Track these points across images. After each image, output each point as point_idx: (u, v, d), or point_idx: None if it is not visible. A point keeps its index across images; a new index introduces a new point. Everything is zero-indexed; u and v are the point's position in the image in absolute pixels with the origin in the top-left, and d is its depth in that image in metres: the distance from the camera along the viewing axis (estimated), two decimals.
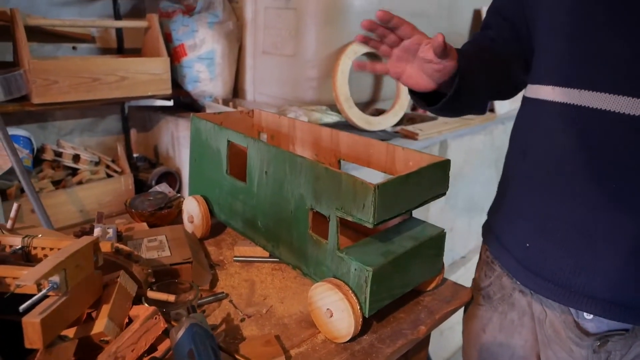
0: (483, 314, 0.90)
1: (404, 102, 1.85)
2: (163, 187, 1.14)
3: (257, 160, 0.84)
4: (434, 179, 0.74)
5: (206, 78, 1.89)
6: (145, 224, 1.01)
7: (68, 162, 1.87)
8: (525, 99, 0.82)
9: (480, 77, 0.83)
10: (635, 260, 0.65)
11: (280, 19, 1.79)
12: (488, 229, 0.91)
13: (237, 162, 0.94)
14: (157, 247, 0.84)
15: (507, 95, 0.92)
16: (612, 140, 0.65)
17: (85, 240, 0.60)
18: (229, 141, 0.91)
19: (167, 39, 1.90)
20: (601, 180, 0.66)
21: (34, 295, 0.51)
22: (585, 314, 0.73)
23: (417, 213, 0.83)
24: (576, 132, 0.68)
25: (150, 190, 1.14)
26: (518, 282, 0.82)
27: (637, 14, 0.63)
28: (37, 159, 1.86)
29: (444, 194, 0.78)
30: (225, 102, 1.91)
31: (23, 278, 0.49)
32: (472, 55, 0.83)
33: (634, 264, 0.65)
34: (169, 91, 1.86)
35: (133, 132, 2.20)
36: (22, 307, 0.49)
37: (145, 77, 1.78)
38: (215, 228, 1.03)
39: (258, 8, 1.86)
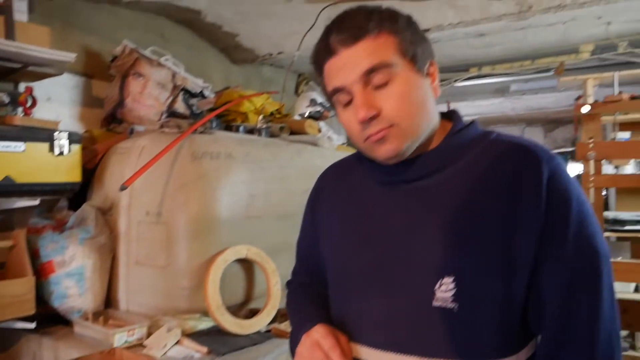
0: None
1: (276, 301, 1.95)
2: None
3: None
4: None
5: (75, 294, 1.86)
6: None
7: None
8: None
9: None
10: None
11: (152, 232, 1.88)
12: None
13: None
14: None
15: None
16: None
17: None
18: None
19: (35, 254, 1.88)
20: None
21: None
22: None
23: None
24: None
25: None
26: None
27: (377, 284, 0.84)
28: None
29: None
30: (96, 316, 1.87)
31: None
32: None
33: None
34: (32, 311, 1.79)
35: None
36: None
37: (5, 300, 1.71)
38: None
39: (131, 221, 1.94)
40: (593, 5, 2.33)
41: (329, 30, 0.85)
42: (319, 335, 0.85)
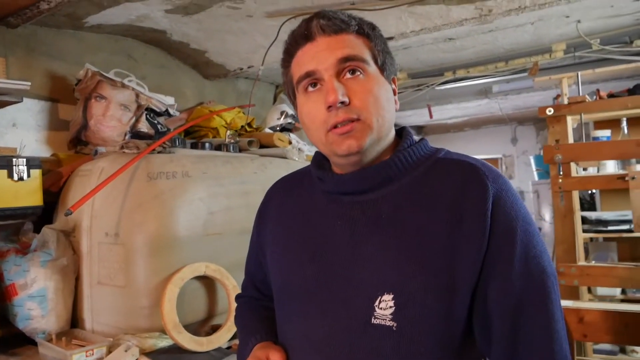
0: None
1: None
2: None
3: None
4: None
5: (38, 315, 1.90)
6: None
7: None
8: None
9: None
10: None
11: (111, 252, 1.91)
12: None
13: None
14: None
15: None
16: None
17: None
18: None
19: (0, 278, 1.93)
20: None
21: None
22: None
23: None
24: None
25: None
26: None
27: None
28: None
29: None
30: (60, 336, 1.90)
31: None
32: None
33: None
34: None
35: None
36: None
37: None
38: None
39: (92, 243, 1.98)
40: (554, 6, 2.31)
41: (310, 19, 0.86)
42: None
